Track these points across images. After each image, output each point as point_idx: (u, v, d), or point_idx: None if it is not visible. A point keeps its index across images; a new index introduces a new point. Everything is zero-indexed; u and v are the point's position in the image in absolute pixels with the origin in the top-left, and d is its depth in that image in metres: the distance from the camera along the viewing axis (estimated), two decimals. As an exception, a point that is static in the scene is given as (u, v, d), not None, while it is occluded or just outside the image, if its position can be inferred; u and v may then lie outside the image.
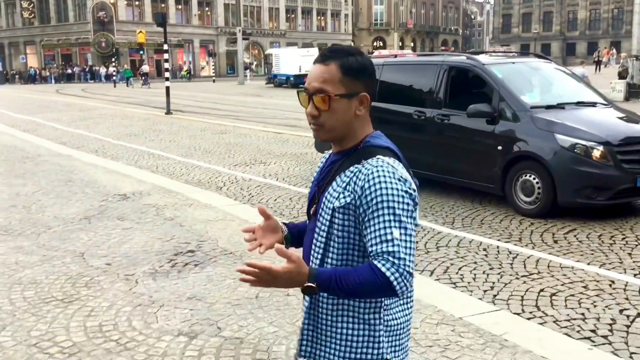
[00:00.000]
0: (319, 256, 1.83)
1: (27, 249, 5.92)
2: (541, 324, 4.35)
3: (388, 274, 1.66)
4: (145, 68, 51.82)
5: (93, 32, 60.64)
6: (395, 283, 1.66)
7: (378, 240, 1.69)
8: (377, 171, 1.73)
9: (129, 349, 3.84)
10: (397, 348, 1.85)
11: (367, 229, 1.71)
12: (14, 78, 63.11)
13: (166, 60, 24.39)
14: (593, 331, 4.22)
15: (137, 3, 63.56)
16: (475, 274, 5.36)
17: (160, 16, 22.58)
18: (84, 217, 7.16)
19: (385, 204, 1.70)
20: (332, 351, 1.83)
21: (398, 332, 1.85)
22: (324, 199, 1.83)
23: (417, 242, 6.30)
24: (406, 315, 1.88)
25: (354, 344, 1.81)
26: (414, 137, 8.45)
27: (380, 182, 1.71)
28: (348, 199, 1.75)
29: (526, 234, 6.53)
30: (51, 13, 64.94)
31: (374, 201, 1.70)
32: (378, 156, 1.77)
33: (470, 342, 3.89)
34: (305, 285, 1.69)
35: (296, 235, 2.09)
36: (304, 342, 1.88)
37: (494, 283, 5.15)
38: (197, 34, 68.06)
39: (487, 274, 5.36)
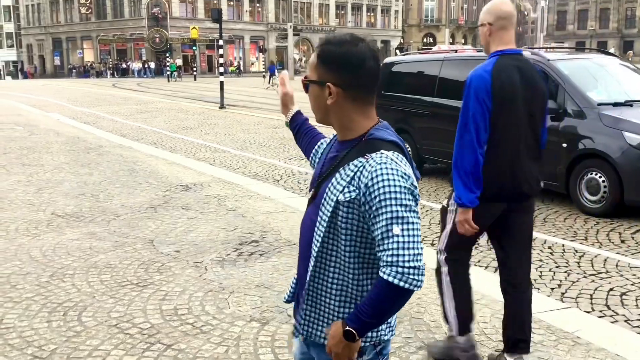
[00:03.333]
0: (318, 244, 1.86)
1: (100, 235, 6.14)
2: (612, 322, 4.29)
3: (393, 279, 1.69)
4: (178, 62, 54.88)
5: (147, 28, 61.99)
6: (402, 284, 1.69)
7: (380, 237, 1.72)
8: (381, 169, 1.73)
9: (205, 332, 3.96)
10: (392, 328, 1.94)
11: (373, 226, 1.75)
12: (71, 72, 65.10)
13: (221, 56, 24.77)
14: (668, 332, 4.14)
15: (190, 0, 64.64)
16: (541, 272, 5.30)
17: (216, 12, 22.95)
18: (149, 206, 7.37)
19: (387, 202, 1.71)
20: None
21: None
22: (326, 188, 1.85)
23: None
24: None
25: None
26: (474, 134, 8.38)
27: (383, 180, 1.72)
28: (353, 195, 1.77)
29: (592, 233, 6.42)
30: (107, 9, 66.75)
31: (377, 199, 1.72)
32: (382, 151, 1.78)
33: (542, 338, 3.87)
34: (344, 331, 1.77)
35: (296, 129, 2.35)
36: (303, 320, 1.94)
37: (561, 281, 5.09)
38: (248, 30, 68.79)
39: (554, 272, 5.30)
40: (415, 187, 1.78)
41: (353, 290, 1.85)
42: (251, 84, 43.84)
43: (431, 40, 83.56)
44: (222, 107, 22.05)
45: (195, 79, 50.33)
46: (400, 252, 1.70)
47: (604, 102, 7.26)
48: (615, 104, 7.26)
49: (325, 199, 1.84)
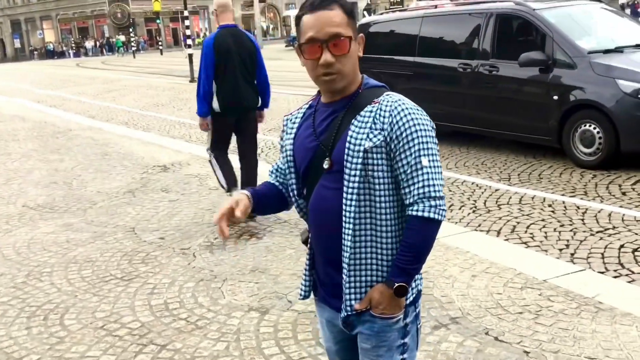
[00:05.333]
0: (353, 208, 1.76)
1: (76, 226, 5.76)
2: (629, 282, 4.07)
3: (429, 214, 1.72)
4: (122, 38, 56.12)
5: (108, 4, 60.19)
6: (436, 216, 1.73)
7: (409, 170, 1.73)
8: (400, 105, 1.75)
9: (201, 328, 3.65)
10: (421, 276, 1.94)
11: (400, 161, 1.74)
12: (32, 54, 63.19)
13: (187, 27, 24.05)
14: (689, 288, 3.93)
15: (150, -29, 62.80)
16: (546, 232, 5.07)
17: (178, -18, 22.13)
18: (127, 190, 6.98)
19: (415, 134, 1.73)
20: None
21: None
22: (346, 145, 1.76)
23: (475, 200, 6.03)
24: None
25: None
26: (460, 92, 8.09)
27: (407, 115, 1.74)
28: (380, 137, 1.74)
29: (591, 187, 6.20)
30: (65, -14, 64.52)
31: (404, 133, 1.73)
32: (387, 93, 1.80)
33: (562, 306, 3.63)
34: (396, 287, 1.77)
35: (260, 203, 1.98)
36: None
37: (568, 241, 4.86)
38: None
39: (559, 232, 5.07)
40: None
41: (397, 243, 1.81)
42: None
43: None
44: (192, 80, 21.36)
45: (161, 54, 49.27)
46: (431, 182, 1.73)
47: (595, 50, 6.98)
48: (606, 51, 6.99)
49: (348, 156, 1.76)
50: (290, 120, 1.97)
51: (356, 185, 1.76)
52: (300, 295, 2.01)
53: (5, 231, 5.76)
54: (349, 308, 1.84)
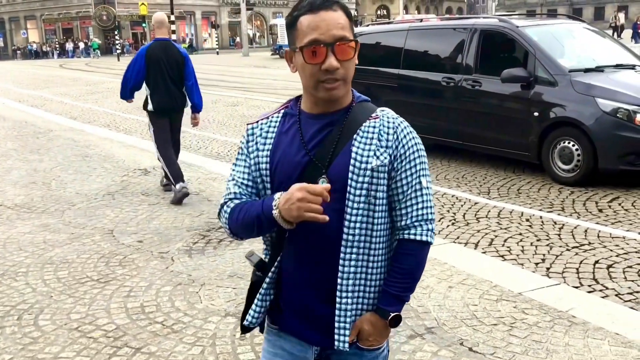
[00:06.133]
0: (357, 230, 1.63)
1: (54, 227, 5.70)
2: (603, 297, 4.13)
3: (427, 237, 1.69)
4: (97, 40, 58.11)
5: (94, 6, 59.84)
6: (432, 240, 1.71)
7: (410, 191, 1.67)
8: (401, 123, 1.69)
9: (176, 332, 3.64)
10: None
11: (399, 181, 1.67)
12: (15, 54, 62.55)
13: (173, 32, 23.93)
14: (661, 305, 4.00)
15: (137, -26, 62.57)
16: (523, 246, 5.13)
17: (165, -14, 22.10)
18: (106, 192, 6.93)
19: (416, 154, 1.68)
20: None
21: None
22: (351, 162, 1.63)
23: (454, 213, 6.08)
24: None
25: None
26: (442, 105, 8.17)
27: (409, 134, 1.68)
28: (386, 155, 1.64)
29: (568, 203, 6.29)
30: (51, -14, 64.05)
31: (408, 152, 1.66)
32: (381, 108, 1.71)
33: (536, 319, 3.67)
34: (391, 318, 1.68)
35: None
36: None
37: (544, 255, 4.93)
38: (199, 5, 67.10)
39: (536, 246, 5.13)
40: None
41: (384, 268, 1.72)
42: (205, 61, 42.84)
43: (385, 12, 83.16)
44: (176, 85, 21.32)
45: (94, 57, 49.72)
46: (427, 204, 1.69)
47: (575, 69, 7.10)
48: (586, 70, 7.11)
49: (353, 174, 1.62)
50: (259, 129, 1.75)
51: (360, 206, 1.63)
52: (248, 321, 1.76)
53: (-19, 230, 5.69)
54: (343, 342, 1.68)
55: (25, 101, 17.88)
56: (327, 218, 1.55)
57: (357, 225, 1.64)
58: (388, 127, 1.66)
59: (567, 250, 5.01)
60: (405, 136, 1.67)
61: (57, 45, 61.38)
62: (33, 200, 6.70)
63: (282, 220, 1.59)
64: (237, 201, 1.72)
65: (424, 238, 1.68)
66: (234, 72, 29.35)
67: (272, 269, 1.74)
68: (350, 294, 1.67)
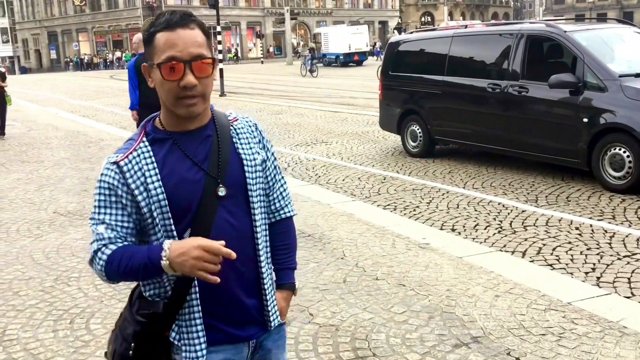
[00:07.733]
0: (262, 224, 1.80)
1: (104, 234, 5.86)
2: (657, 308, 4.01)
3: (295, 212, 1.97)
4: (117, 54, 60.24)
5: (143, 18, 61.33)
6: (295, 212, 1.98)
7: (277, 174, 1.88)
8: (251, 119, 1.86)
9: (222, 337, 3.69)
10: None
11: (268, 169, 1.84)
12: (67, 65, 64.60)
13: (219, 43, 24.33)
14: None
15: (184, -13, 63.92)
16: (572, 255, 5.02)
17: (211, -2, 22.52)
18: (155, 200, 7.08)
19: (270, 143, 1.88)
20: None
21: None
22: (244, 164, 1.74)
23: (501, 221, 5.99)
24: None
25: None
26: (488, 112, 8.08)
27: (260, 128, 1.87)
28: (262, 149, 1.82)
29: (619, 211, 6.12)
30: (101, 0, 65.97)
31: (268, 143, 1.86)
32: (226, 112, 1.84)
33: (586, 329, 3.59)
34: (294, 290, 1.94)
35: None
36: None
37: (594, 264, 4.81)
38: (244, 16, 68.06)
39: (586, 255, 5.01)
40: None
41: (267, 248, 1.86)
42: (250, 70, 43.40)
43: (429, 19, 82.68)
44: (222, 94, 21.68)
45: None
46: (286, 185, 1.94)
47: (626, 74, 6.93)
48: (637, 75, 6.92)
49: (250, 174, 1.76)
50: (132, 164, 1.66)
51: (261, 199, 1.80)
52: (202, 356, 1.69)
53: (36, 236, 5.89)
54: (276, 320, 1.81)
55: (77, 111, 18.44)
56: (218, 280, 1.55)
57: (262, 217, 1.80)
58: (249, 126, 1.82)
59: (619, 259, 4.88)
60: (261, 130, 1.86)
61: (106, 57, 63.11)
62: (85, 207, 6.90)
63: (171, 270, 1.57)
64: (112, 246, 1.64)
65: (294, 213, 1.94)
66: (277, 81, 29.65)
67: (192, 290, 1.66)
68: (269, 279, 1.82)
